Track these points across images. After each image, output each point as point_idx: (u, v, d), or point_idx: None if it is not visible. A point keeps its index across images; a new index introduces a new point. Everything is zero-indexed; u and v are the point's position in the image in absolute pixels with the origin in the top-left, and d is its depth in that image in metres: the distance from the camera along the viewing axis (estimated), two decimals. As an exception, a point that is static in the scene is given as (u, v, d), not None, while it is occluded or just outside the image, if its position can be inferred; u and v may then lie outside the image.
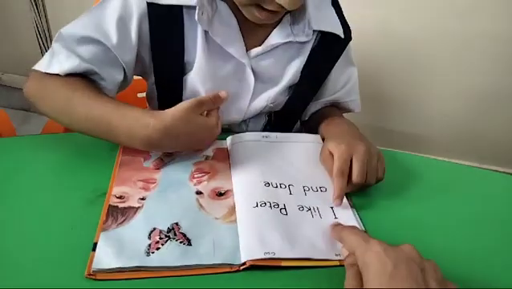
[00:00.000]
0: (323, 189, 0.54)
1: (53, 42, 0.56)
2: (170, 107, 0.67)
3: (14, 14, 1.51)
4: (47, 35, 1.52)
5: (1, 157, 0.55)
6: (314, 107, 0.71)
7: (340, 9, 0.64)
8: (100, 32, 0.54)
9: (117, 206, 0.47)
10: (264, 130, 0.71)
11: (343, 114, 0.73)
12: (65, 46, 0.55)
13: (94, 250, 0.41)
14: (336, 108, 0.72)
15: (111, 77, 0.57)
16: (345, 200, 0.52)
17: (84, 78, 0.56)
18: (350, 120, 0.68)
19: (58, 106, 0.53)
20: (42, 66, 0.55)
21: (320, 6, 0.60)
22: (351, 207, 0.51)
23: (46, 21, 1.49)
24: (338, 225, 0.46)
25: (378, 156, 0.53)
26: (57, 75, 0.54)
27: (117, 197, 0.48)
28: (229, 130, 0.69)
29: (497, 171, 1.42)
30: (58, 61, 0.54)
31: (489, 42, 1.23)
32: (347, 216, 0.50)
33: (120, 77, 0.58)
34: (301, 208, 0.50)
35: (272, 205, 0.49)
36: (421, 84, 1.36)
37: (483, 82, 1.30)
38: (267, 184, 0.52)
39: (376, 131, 1.47)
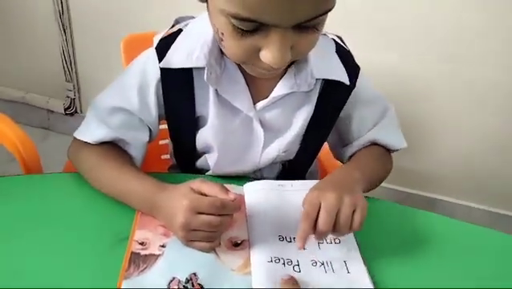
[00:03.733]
0: (337, 241, 0.55)
1: (88, 110, 0.63)
2: (184, 158, 0.72)
3: (41, 36, 1.57)
4: (72, 60, 1.57)
5: (22, 196, 0.57)
6: (350, 149, 0.71)
7: (349, 55, 0.65)
8: (124, 99, 0.61)
9: (139, 253, 0.49)
10: (278, 178, 0.72)
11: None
12: (96, 116, 0.61)
13: (116, 296, 0.43)
14: (378, 147, 0.70)
15: (137, 141, 0.63)
16: (358, 254, 0.54)
17: (115, 147, 0.62)
18: (370, 161, 0.67)
19: (89, 174, 0.61)
20: (78, 133, 0.62)
21: (323, 56, 0.62)
22: (364, 264, 0.53)
23: (73, 46, 1.55)
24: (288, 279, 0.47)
25: (356, 206, 0.51)
26: (90, 143, 0.60)
27: (139, 243, 0.50)
28: (244, 177, 0.71)
29: (506, 215, 1.43)
30: (89, 130, 0.61)
31: (506, 87, 1.25)
32: (360, 271, 0.51)
33: (146, 137, 0.64)
34: (314, 263, 0.51)
35: (286, 262, 0.50)
36: (434, 124, 1.38)
37: (496, 123, 1.32)
38: (281, 238, 0.54)
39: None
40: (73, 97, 1.64)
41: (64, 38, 1.52)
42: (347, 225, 0.50)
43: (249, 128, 0.64)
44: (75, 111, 1.68)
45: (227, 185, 0.54)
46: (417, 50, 1.26)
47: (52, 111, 1.70)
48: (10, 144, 0.75)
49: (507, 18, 1.16)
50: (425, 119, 1.38)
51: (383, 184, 0.69)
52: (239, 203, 0.51)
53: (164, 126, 0.73)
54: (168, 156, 0.87)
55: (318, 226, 0.49)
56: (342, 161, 0.75)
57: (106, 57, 1.43)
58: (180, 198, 0.49)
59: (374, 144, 0.70)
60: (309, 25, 0.46)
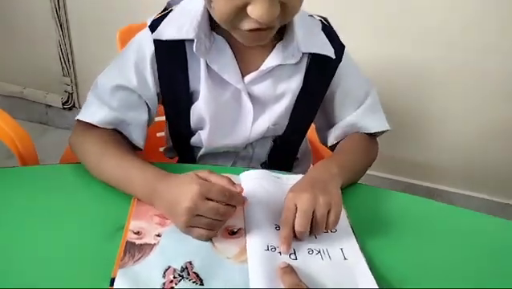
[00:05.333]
0: (333, 230, 0.55)
1: (90, 90, 0.64)
2: (179, 134, 0.72)
3: (39, 31, 1.56)
4: (69, 55, 1.56)
5: (20, 187, 0.57)
6: (333, 133, 0.72)
7: (334, 33, 0.67)
8: (122, 77, 0.62)
9: (134, 243, 0.49)
10: (270, 154, 0.74)
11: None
12: (96, 97, 0.62)
13: (112, 284, 0.43)
14: (361, 135, 0.71)
15: (137, 120, 0.63)
16: (355, 241, 0.54)
17: (116, 134, 0.62)
18: (351, 155, 0.67)
19: (90, 161, 0.60)
20: (80, 115, 0.62)
21: (309, 32, 0.64)
22: (361, 250, 0.53)
23: (70, 40, 1.54)
24: (286, 265, 0.48)
25: (330, 205, 0.52)
26: (92, 126, 0.61)
27: (134, 233, 0.50)
28: (236, 153, 0.72)
29: (508, 204, 1.43)
30: (90, 111, 0.62)
31: (504, 77, 1.24)
32: (357, 257, 0.52)
33: (145, 116, 0.64)
34: (310, 251, 0.51)
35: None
36: (434, 115, 1.37)
37: (496, 113, 1.31)
38: (277, 227, 0.54)
39: (387, 159, 1.48)
40: (71, 92, 1.64)
41: (61, 32, 1.51)
42: (323, 224, 0.52)
43: (238, 101, 0.65)
44: (73, 106, 1.68)
45: (225, 175, 0.53)
46: (419, 40, 1.25)
47: (50, 106, 1.70)
48: (7, 139, 0.75)
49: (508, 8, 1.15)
50: (425, 109, 1.37)
51: (382, 174, 0.69)
52: (245, 197, 0.52)
53: (162, 118, 0.73)
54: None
55: (296, 228, 0.51)
56: (326, 145, 0.76)
57: (103, 51, 1.41)
58: (188, 184, 0.49)
59: (356, 131, 0.71)
60: None
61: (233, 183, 0.51)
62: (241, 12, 0.50)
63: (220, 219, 0.50)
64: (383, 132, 0.72)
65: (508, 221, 0.62)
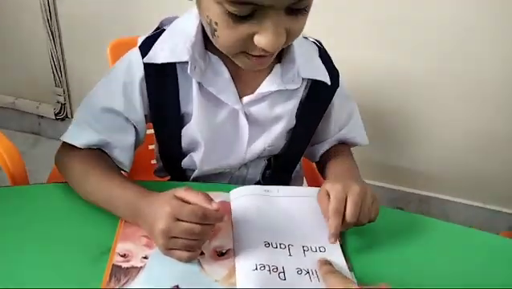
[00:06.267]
0: (322, 249, 0.55)
1: (76, 111, 0.63)
2: (170, 156, 0.71)
3: (30, 42, 1.55)
4: (61, 65, 1.56)
5: (5, 208, 0.56)
6: (322, 147, 0.74)
7: (329, 58, 0.68)
8: (110, 99, 0.61)
9: (120, 266, 0.48)
10: (264, 173, 0.73)
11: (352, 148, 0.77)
12: (82, 118, 0.61)
13: (96, 311, 0.43)
14: (345, 145, 0.75)
15: (123, 143, 0.62)
16: (344, 262, 0.53)
17: (101, 153, 0.61)
18: (353, 160, 0.73)
19: (75, 181, 0.60)
20: (65, 137, 0.61)
21: (308, 57, 0.64)
22: (350, 270, 0.52)
23: (62, 51, 1.54)
24: (325, 263, 0.50)
25: (373, 198, 0.56)
26: (77, 148, 0.60)
27: (121, 256, 0.49)
28: (230, 174, 0.71)
29: (500, 212, 1.43)
30: (76, 134, 0.61)
31: (498, 86, 1.25)
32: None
33: (132, 139, 0.63)
34: (299, 271, 0.51)
35: (271, 268, 0.50)
36: (427, 122, 1.38)
37: (491, 120, 1.32)
38: (267, 244, 0.53)
39: (380, 167, 1.48)
40: (63, 102, 1.63)
41: (53, 43, 1.51)
42: (368, 216, 0.55)
43: (234, 122, 0.64)
44: (66, 116, 1.67)
45: (213, 193, 0.53)
46: (411, 48, 1.25)
47: (42, 117, 1.69)
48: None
49: (499, 16, 1.15)
50: (418, 117, 1.37)
51: (376, 182, 0.71)
52: (222, 214, 0.50)
53: (153, 130, 0.72)
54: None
55: (347, 219, 0.53)
56: (310, 158, 0.79)
57: (95, 62, 1.41)
58: (162, 205, 0.49)
59: (340, 142, 0.75)
60: (301, 6, 0.48)
61: (211, 200, 0.49)
62: (247, 41, 0.50)
63: (197, 239, 0.48)
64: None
65: (496, 236, 0.63)
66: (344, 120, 0.73)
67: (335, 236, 0.53)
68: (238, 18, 0.47)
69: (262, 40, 0.48)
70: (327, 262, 0.51)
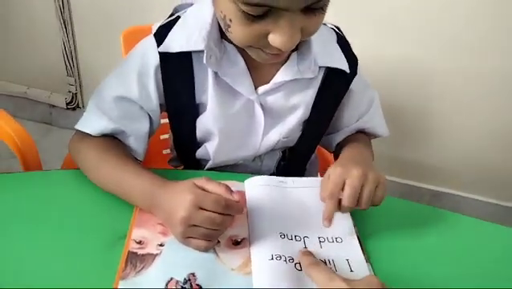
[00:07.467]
0: (339, 240, 0.54)
1: (91, 98, 0.62)
2: (184, 149, 0.71)
3: (42, 31, 1.55)
4: (73, 54, 1.56)
5: (21, 194, 0.56)
6: (338, 136, 0.73)
7: (348, 44, 0.66)
8: (124, 87, 0.60)
9: (136, 253, 0.48)
10: (278, 165, 0.72)
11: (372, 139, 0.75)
12: (97, 106, 0.61)
13: (112, 297, 0.42)
14: (363, 134, 0.73)
15: (137, 132, 0.62)
16: (360, 253, 0.53)
17: (115, 141, 0.61)
18: (366, 146, 0.70)
19: (88, 168, 0.59)
20: (79, 125, 0.61)
21: (325, 45, 0.63)
22: (367, 261, 0.52)
23: (74, 40, 1.53)
24: (306, 254, 0.49)
25: (378, 183, 0.54)
26: (91, 136, 0.60)
27: (136, 242, 0.49)
28: (244, 166, 0.71)
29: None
30: (90, 121, 0.60)
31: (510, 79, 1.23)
32: (363, 269, 0.50)
33: (146, 127, 0.62)
34: (316, 262, 0.50)
35: (287, 259, 0.49)
36: (441, 116, 1.35)
37: (504, 116, 1.29)
38: (283, 235, 0.53)
39: (393, 161, 1.47)
40: (75, 92, 1.64)
41: (65, 32, 1.50)
42: (370, 200, 0.53)
43: (249, 113, 0.63)
44: (77, 106, 1.67)
45: (227, 182, 0.52)
46: (426, 40, 1.23)
47: (54, 106, 1.69)
48: (9, 140, 0.74)
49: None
50: (432, 111, 1.35)
51: (388, 176, 0.69)
52: (242, 205, 0.50)
53: (165, 120, 0.72)
54: (169, 151, 0.86)
55: (343, 202, 0.52)
56: (327, 148, 0.77)
57: (107, 51, 1.41)
58: (183, 193, 0.48)
59: (360, 131, 0.73)
60: (317, 6, 0.46)
61: (231, 191, 0.49)
62: (261, 39, 0.49)
63: (217, 229, 0.48)
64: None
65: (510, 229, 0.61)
66: (364, 108, 0.71)
67: (327, 220, 0.53)
68: (253, 17, 0.46)
69: (277, 40, 0.47)
70: (308, 254, 0.49)
